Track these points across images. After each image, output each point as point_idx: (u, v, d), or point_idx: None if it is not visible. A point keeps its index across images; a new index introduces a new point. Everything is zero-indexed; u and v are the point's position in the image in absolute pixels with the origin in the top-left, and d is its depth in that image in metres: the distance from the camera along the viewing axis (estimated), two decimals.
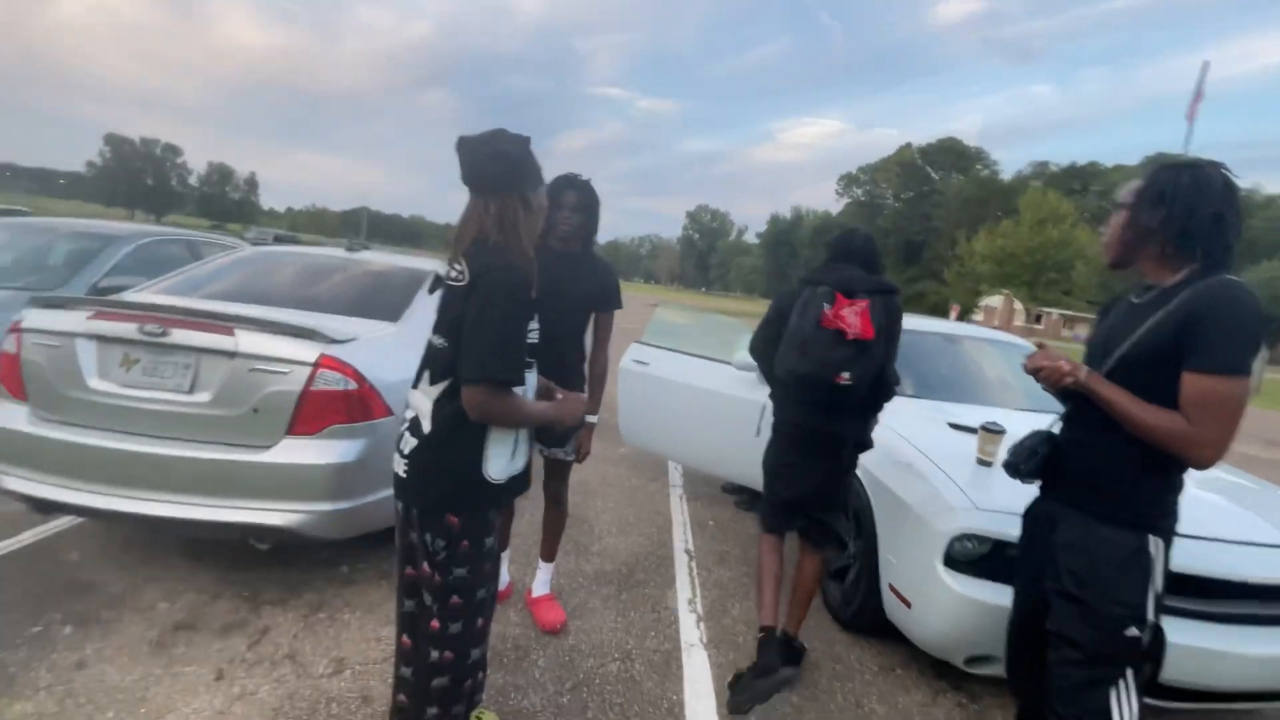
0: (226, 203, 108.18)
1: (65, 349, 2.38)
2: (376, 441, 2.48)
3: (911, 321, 4.30)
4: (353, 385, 2.38)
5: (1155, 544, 1.47)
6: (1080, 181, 70.51)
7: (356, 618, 2.45)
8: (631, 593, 2.90)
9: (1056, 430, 1.66)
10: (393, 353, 2.70)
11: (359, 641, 2.31)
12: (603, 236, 3.88)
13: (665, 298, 42.07)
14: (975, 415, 2.97)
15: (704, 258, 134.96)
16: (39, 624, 2.23)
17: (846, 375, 2.08)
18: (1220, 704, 2.15)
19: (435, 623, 1.49)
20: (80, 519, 2.88)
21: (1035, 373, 1.56)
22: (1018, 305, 50.15)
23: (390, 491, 2.62)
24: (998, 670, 2.18)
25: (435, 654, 1.50)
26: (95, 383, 2.36)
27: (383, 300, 3.04)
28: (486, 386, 1.35)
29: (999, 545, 2.19)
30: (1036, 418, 3.28)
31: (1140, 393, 1.42)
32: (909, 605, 2.34)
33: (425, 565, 1.48)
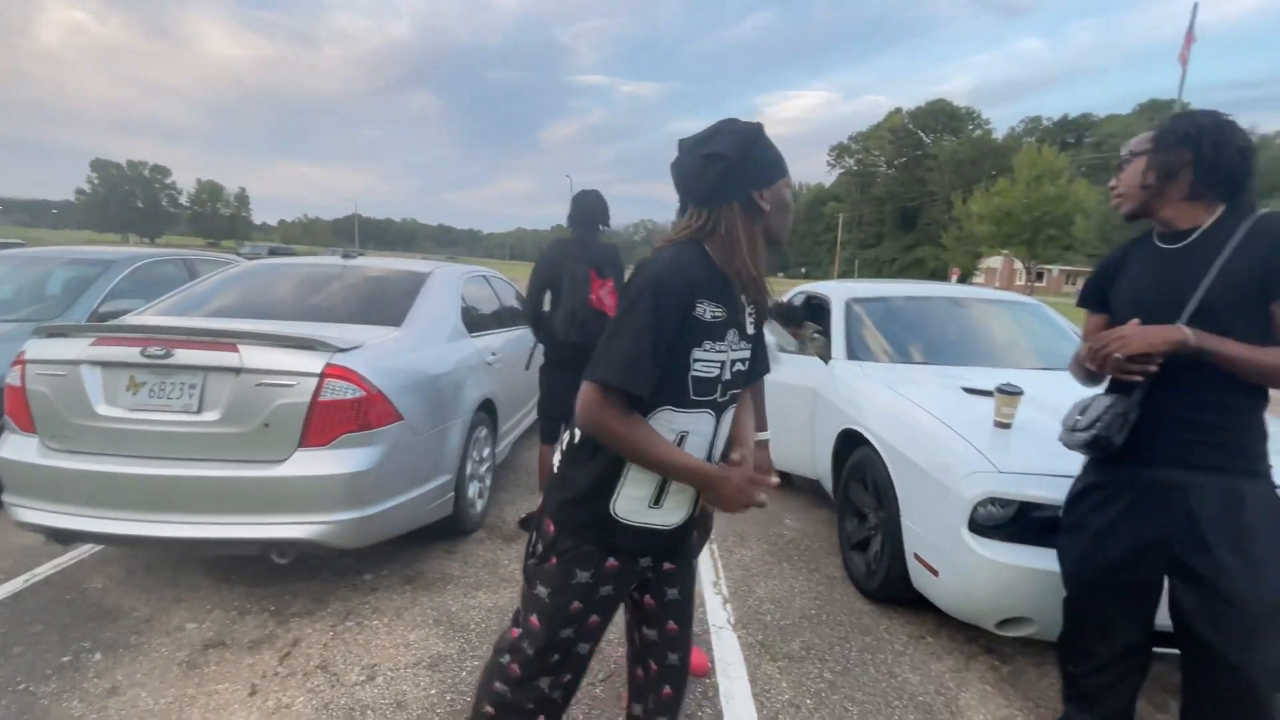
0: (218, 220, 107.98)
1: (70, 377, 2.36)
2: (391, 447, 2.48)
3: (917, 287, 4.26)
4: (361, 393, 2.37)
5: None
6: (1074, 134, 69.74)
7: (385, 623, 2.46)
8: None
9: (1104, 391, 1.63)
10: (399, 356, 2.69)
11: (389, 647, 2.31)
12: None
13: None
14: (988, 378, 2.94)
15: None
16: (67, 654, 2.23)
17: None
18: None
19: (516, 631, 1.33)
20: (99, 546, 2.89)
21: (1127, 358, 1.47)
22: (1018, 265, 49.81)
23: (408, 496, 2.65)
24: (1029, 631, 2.17)
25: (505, 659, 1.34)
26: (103, 409, 2.35)
27: (384, 305, 3.03)
28: (598, 388, 1.14)
29: (1024, 507, 2.17)
30: (1053, 376, 3.28)
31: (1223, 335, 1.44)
32: (936, 574, 2.33)
33: (526, 562, 1.34)
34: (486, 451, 3.46)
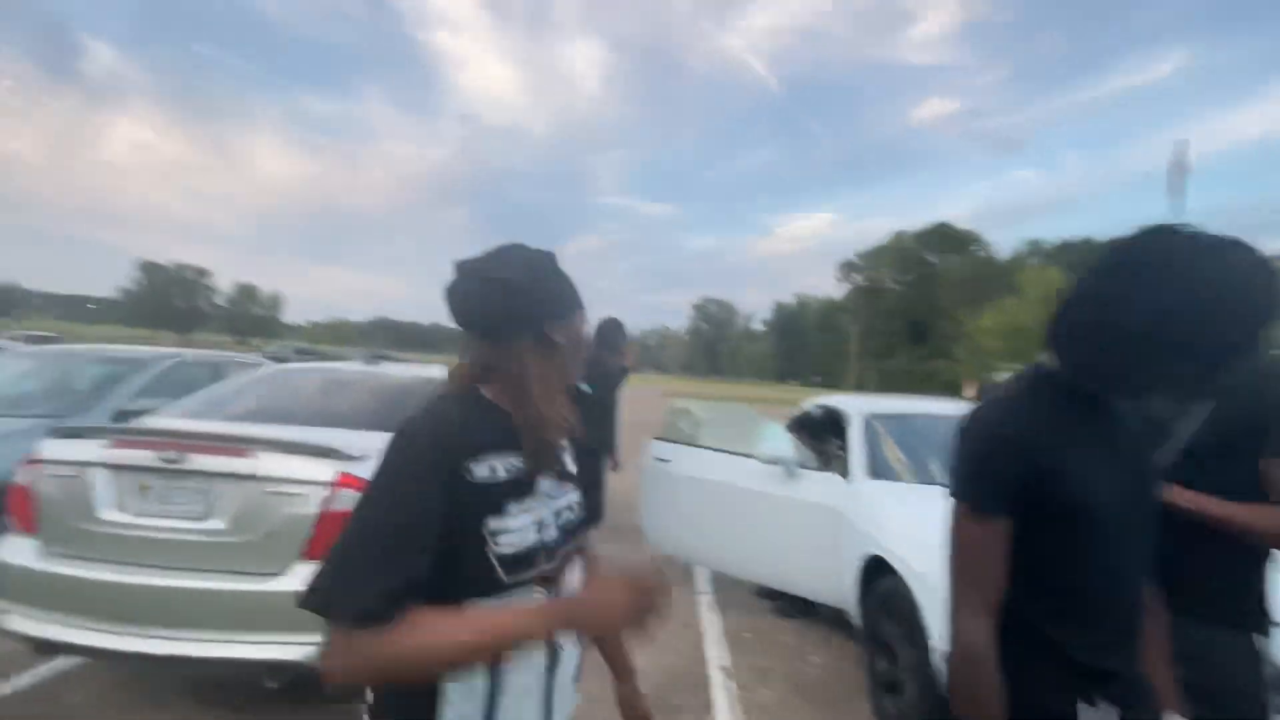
0: (250, 319, 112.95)
1: (80, 479, 2.34)
2: None
3: (937, 405, 4.22)
4: None
5: (1262, 643, 1.38)
6: (1076, 256, 71.97)
7: None
8: None
9: None
10: None
11: None
12: None
13: (677, 388, 42.09)
14: None
15: (712, 346, 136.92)
16: None
17: None
18: None
19: None
20: (82, 659, 2.73)
21: None
22: None
23: None
24: None
25: None
26: (107, 513, 2.30)
27: (403, 412, 3.01)
28: (330, 624, 0.77)
29: None
30: None
31: (1205, 484, 1.35)
32: None
33: None
34: None
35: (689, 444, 4.25)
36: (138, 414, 3.65)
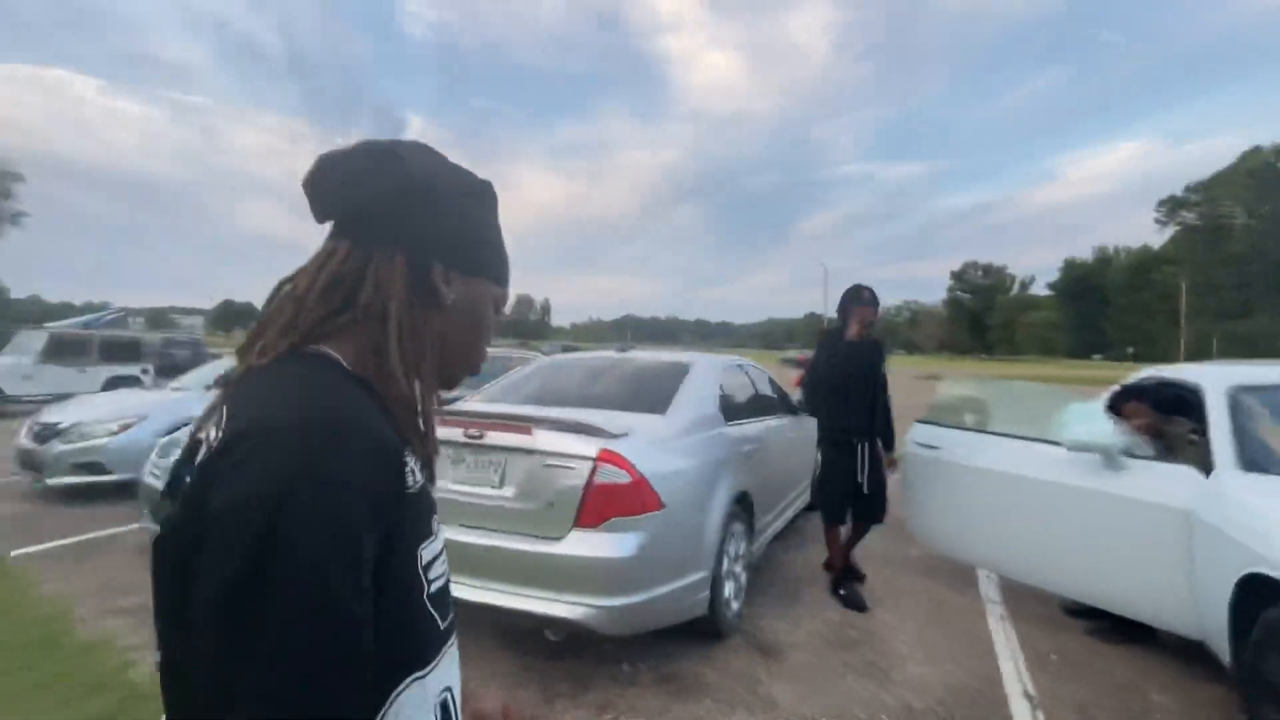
0: (527, 325, 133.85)
1: None
2: (651, 535, 2.47)
3: None
4: (628, 478, 2.43)
5: None
6: None
7: None
8: None
9: None
10: (662, 444, 2.74)
11: None
12: None
13: (935, 369, 36.91)
14: None
15: (978, 319, 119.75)
16: None
17: None
18: None
19: None
20: None
21: None
22: None
23: (668, 588, 2.60)
24: None
25: None
26: (438, 481, 2.81)
27: (651, 393, 3.17)
28: None
29: None
30: None
31: None
32: None
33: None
34: (742, 548, 3.27)
35: (965, 428, 3.68)
36: (453, 400, 4.43)
